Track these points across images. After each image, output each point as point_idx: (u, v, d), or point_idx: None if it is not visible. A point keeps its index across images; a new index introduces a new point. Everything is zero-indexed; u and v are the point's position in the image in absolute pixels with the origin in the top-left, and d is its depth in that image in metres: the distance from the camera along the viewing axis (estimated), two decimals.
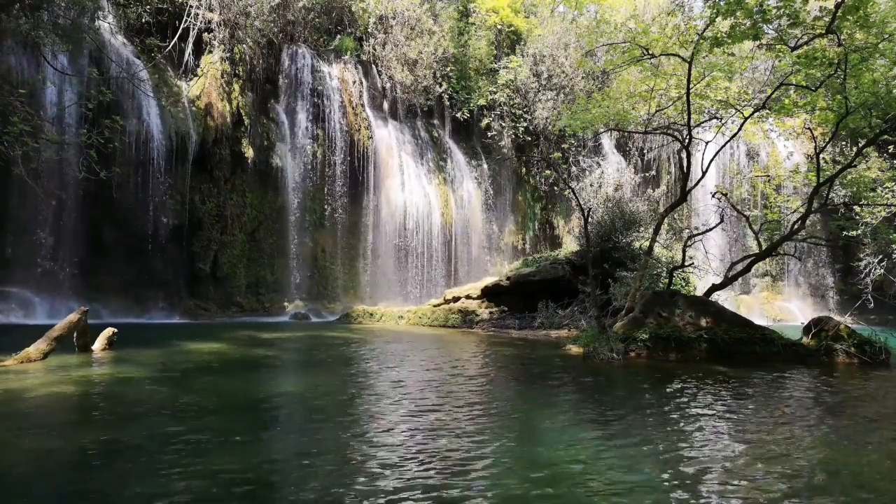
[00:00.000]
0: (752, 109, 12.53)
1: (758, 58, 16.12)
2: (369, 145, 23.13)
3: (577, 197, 13.52)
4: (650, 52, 12.21)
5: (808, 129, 14.88)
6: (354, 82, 23.49)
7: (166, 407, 5.46)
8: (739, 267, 13.10)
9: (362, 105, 23.52)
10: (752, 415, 5.65)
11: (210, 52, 20.29)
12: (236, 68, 20.78)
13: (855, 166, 13.78)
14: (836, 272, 25.48)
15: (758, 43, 12.52)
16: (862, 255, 21.10)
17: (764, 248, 12.98)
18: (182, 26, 19.58)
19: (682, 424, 5.24)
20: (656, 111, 14.00)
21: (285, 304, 20.91)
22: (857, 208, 17.40)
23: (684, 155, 13.02)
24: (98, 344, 9.12)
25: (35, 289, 16.25)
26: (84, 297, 15.99)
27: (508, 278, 18.09)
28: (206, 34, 20.16)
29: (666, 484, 3.64)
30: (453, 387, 7.04)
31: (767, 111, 12.38)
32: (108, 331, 9.38)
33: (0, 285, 15.60)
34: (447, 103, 25.94)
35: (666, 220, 15.48)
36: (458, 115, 25.82)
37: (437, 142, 25.95)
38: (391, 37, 24.21)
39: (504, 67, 26.39)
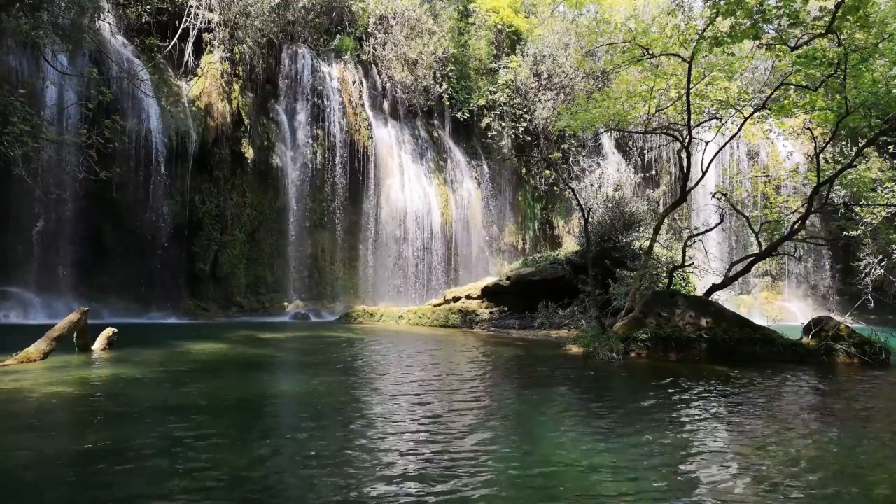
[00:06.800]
0: (752, 109, 12.52)
1: (758, 58, 16.12)
2: (369, 145, 23.13)
3: (577, 197, 13.51)
4: (650, 52, 12.21)
5: (808, 129, 14.88)
6: (354, 82, 23.50)
7: (166, 407, 5.46)
8: (739, 267, 13.10)
9: (362, 105, 23.52)
10: (752, 415, 5.65)
11: (210, 52, 20.29)
12: (236, 68, 20.78)
13: (855, 166, 13.77)
14: (836, 272, 25.47)
15: (758, 43, 12.52)
16: (862, 255, 21.10)
17: (764, 248, 12.98)
18: (182, 26, 19.59)
19: (682, 425, 5.24)
20: (656, 111, 13.98)
21: (285, 304, 20.91)
22: (857, 208, 17.41)
23: (684, 155, 13.01)
24: (98, 344, 9.12)
25: (35, 289, 16.26)
26: (84, 297, 16.00)
27: (508, 278, 18.09)
28: (206, 34, 20.17)
29: (666, 484, 3.63)
30: (453, 387, 7.04)
31: (767, 111, 12.38)
32: (108, 331, 9.38)
33: (0, 285, 15.60)
34: (447, 103, 25.93)
35: (666, 220, 15.48)
36: (458, 115, 25.82)
37: (437, 142, 25.95)
38: (391, 37, 24.21)
39: (504, 67, 26.38)
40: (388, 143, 23.93)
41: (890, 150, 19.10)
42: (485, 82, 26.52)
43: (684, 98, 11.93)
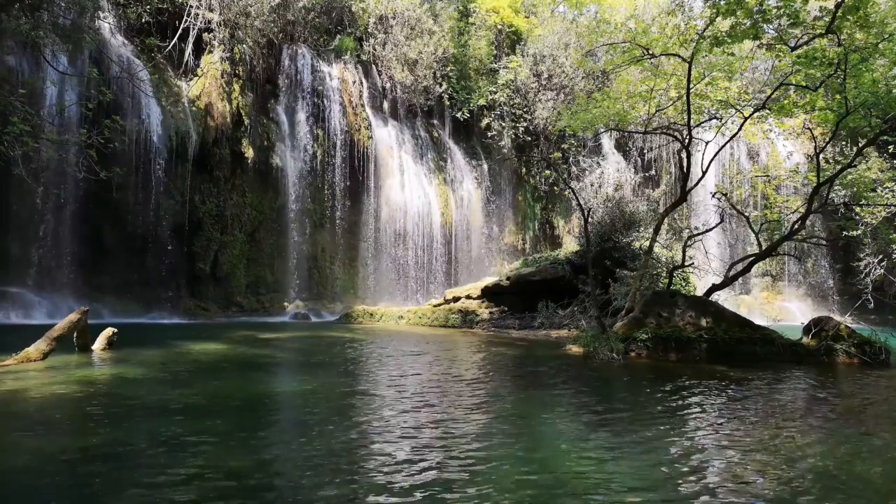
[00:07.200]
0: (752, 109, 12.52)
1: (758, 58, 16.12)
2: (369, 145, 23.13)
3: (577, 197, 13.51)
4: (650, 52, 12.21)
5: (808, 129, 14.88)
6: (354, 82, 23.50)
7: (166, 407, 5.46)
8: (739, 267, 13.10)
9: (362, 105, 23.52)
10: (752, 415, 5.65)
11: (210, 52, 20.29)
12: (236, 68, 20.78)
13: (855, 166, 13.78)
14: (836, 272, 25.47)
15: (758, 43, 12.52)
16: (862, 255, 21.10)
17: (764, 248, 12.98)
18: (182, 26, 19.59)
19: (682, 425, 5.24)
20: (656, 111, 13.99)
21: (285, 304, 20.91)
22: (857, 208, 17.42)
23: (684, 155, 13.01)
24: (98, 344, 9.12)
25: (35, 289, 16.25)
26: (84, 297, 15.99)
27: (508, 278, 18.09)
28: (206, 34, 20.16)
29: (665, 485, 3.63)
30: (453, 387, 7.04)
31: (767, 111, 12.38)
32: (108, 331, 9.38)
33: (0, 285, 15.60)
34: (447, 103, 25.93)
35: (666, 220, 15.48)
36: (458, 115, 25.82)
37: (437, 142, 25.95)
38: (391, 37, 24.21)
39: (504, 67, 26.39)
40: (388, 143, 23.93)
41: (890, 150, 19.10)
42: (485, 82, 26.52)
43: (684, 98, 11.93)
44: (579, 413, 5.70)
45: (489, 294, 18.14)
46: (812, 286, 26.40)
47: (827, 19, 10.21)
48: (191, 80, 20.00)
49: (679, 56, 12.07)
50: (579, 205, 12.91)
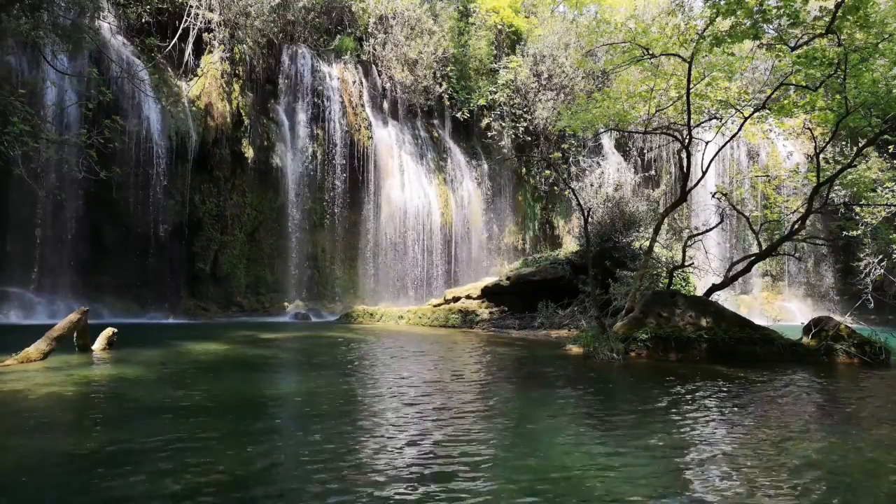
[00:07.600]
0: (752, 109, 12.52)
1: (758, 58, 16.11)
2: (369, 145, 23.13)
3: (577, 197, 13.50)
4: (650, 52, 12.21)
5: (808, 129, 14.88)
6: (354, 82, 23.49)
7: (166, 407, 5.46)
8: (739, 267, 13.10)
9: (362, 105, 23.52)
10: (754, 416, 5.65)
11: (210, 52, 20.29)
12: (236, 68, 20.78)
13: (855, 166, 13.77)
14: (836, 272, 25.47)
15: (758, 43, 12.51)
16: (862, 255, 21.10)
17: (764, 248, 12.98)
18: (182, 26, 19.58)
19: (682, 425, 5.24)
20: (656, 111, 13.98)
21: (285, 304, 20.91)
22: (857, 208, 17.41)
23: (684, 155, 13.01)
24: (98, 344, 9.12)
25: (35, 289, 16.25)
26: (84, 297, 16.00)
27: (508, 278, 18.09)
28: (206, 34, 20.16)
29: (666, 485, 3.63)
30: (453, 387, 7.04)
31: (767, 111, 12.38)
32: (108, 331, 9.38)
33: (0, 285, 15.59)
34: (447, 103, 25.92)
35: (666, 220, 15.48)
36: (458, 115, 25.81)
37: (437, 142, 25.95)
38: (391, 37, 24.21)
39: (504, 67, 26.38)
40: (388, 143, 23.93)
41: (890, 150, 19.09)
42: (485, 82, 26.51)
43: (684, 98, 11.93)
44: (580, 415, 5.70)
45: (489, 294, 18.14)
46: (812, 286, 26.40)
47: (827, 19, 10.20)
48: (191, 80, 20.00)
49: (679, 56, 12.06)
50: (579, 205, 12.91)
